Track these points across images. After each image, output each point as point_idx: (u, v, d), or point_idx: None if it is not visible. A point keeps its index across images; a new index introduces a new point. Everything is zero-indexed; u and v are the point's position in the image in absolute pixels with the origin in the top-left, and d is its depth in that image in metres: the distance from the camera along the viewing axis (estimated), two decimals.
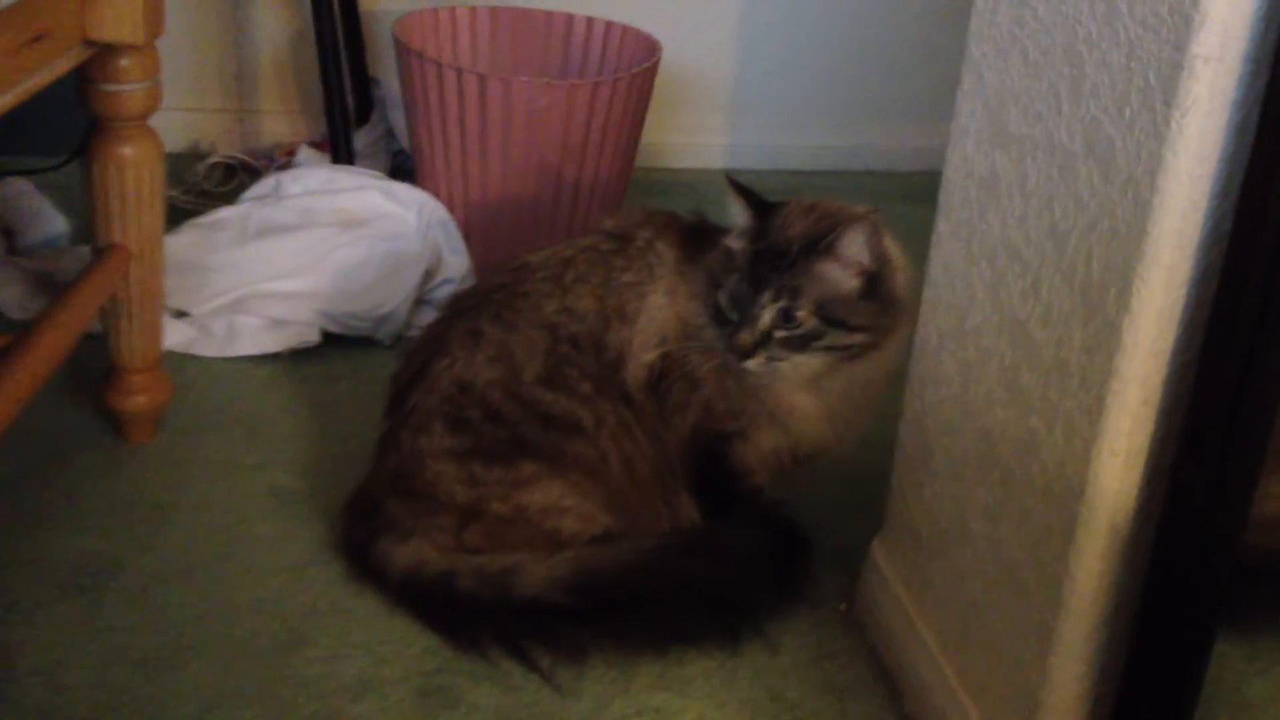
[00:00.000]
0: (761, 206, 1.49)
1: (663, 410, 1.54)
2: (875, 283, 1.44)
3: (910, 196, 2.81)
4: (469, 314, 1.58)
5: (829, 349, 1.44)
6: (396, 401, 1.59)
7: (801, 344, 1.43)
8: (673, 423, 1.55)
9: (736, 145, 2.93)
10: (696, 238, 1.58)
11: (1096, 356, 1.09)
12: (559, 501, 1.51)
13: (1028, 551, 1.21)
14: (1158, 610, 1.11)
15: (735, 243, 1.48)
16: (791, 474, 1.62)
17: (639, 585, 1.47)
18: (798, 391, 1.51)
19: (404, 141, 2.58)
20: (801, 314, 1.41)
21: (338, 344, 2.05)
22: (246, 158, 2.65)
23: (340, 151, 2.41)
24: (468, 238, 2.18)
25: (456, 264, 2.15)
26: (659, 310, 1.54)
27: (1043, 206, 1.17)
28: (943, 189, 1.35)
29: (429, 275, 2.12)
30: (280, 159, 2.64)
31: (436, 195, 2.21)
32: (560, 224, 2.22)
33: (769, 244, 1.44)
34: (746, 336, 1.42)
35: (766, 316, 1.42)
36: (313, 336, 2.04)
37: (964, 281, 1.31)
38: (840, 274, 1.42)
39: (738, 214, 1.50)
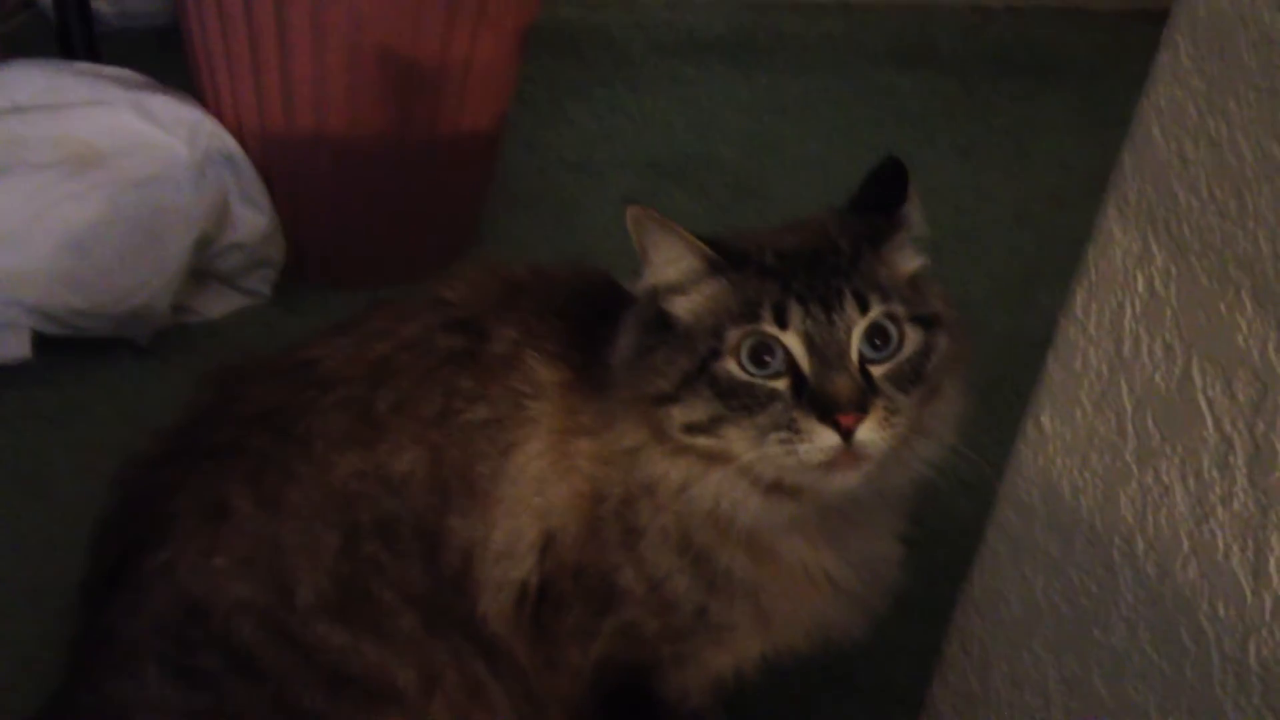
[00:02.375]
0: (709, 240, 0.86)
1: (544, 639, 0.92)
2: None
3: (899, 55, 2.12)
4: (207, 468, 0.92)
5: (933, 374, 0.86)
6: (93, 593, 0.95)
7: (914, 373, 0.84)
8: (564, 659, 0.94)
9: None
10: (590, 331, 0.92)
11: None
12: None
13: None
14: None
15: (693, 295, 0.86)
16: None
17: None
18: (809, 539, 0.90)
19: None
20: (902, 322, 0.85)
21: (62, 354, 1.44)
22: None
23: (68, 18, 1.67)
24: (269, 183, 1.49)
25: (251, 221, 1.52)
26: (535, 483, 0.90)
27: None
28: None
29: (206, 241, 1.44)
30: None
31: (220, 118, 1.50)
32: (410, 165, 1.52)
33: (787, 253, 0.85)
34: (845, 381, 0.81)
35: (857, 339, 0.82)
36: (19, 348, 1.43)
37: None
38: (907, 254, 0.89)
39: (674, 256, 0.85)
